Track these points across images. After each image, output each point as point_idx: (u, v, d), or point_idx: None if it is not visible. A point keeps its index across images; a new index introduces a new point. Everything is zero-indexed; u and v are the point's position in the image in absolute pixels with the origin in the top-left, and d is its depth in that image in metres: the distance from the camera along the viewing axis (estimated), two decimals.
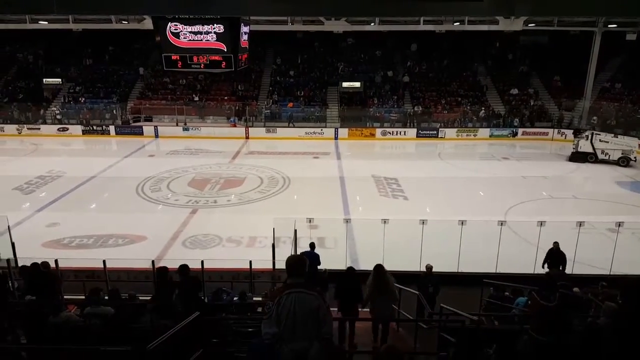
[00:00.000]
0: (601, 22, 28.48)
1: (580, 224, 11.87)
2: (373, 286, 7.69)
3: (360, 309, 8.17)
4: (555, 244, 11.34)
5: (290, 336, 3.80)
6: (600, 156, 24.62)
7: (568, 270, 11.19)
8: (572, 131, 28.28)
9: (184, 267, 7.64)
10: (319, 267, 10.35)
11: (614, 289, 8.27)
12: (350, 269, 8.59)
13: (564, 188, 20.97)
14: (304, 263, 4.04)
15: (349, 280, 8.08)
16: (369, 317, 8.21)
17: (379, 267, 7.86)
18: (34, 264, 8.41)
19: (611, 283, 9.04)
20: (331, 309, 7.95)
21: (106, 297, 7.88)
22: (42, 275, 8.29)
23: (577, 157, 25.19)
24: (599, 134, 25.37)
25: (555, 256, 11.26)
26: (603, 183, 21.94)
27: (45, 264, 8.57)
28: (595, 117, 31.18)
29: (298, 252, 10.90)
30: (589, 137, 25.02)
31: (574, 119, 31.78)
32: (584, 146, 25.11)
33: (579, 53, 31.42)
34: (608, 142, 24.68)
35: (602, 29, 28.87)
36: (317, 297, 3.85)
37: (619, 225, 12.04)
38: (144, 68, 36.19)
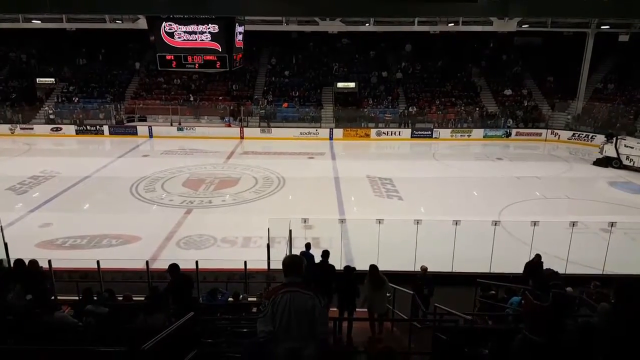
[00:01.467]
0: (594, 24, 28.70)
1: (574, 224, 11.94)
2: (370, 284, 8.41)
3: (358, 309, 8.31)
4: (537, 256, 10.61)
5: (285, 335, 3.80)
6: (625, 162, 23.57)
7: (561, 270, 11.25)
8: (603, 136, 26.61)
9: (173, 266, 7.59)
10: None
11: (606, 288, 8.36)
12: (348, 267, 8.97)
13: (557, 188, 21.07)
14: (300, 262, 4.05)
15: (347, 278, 8.52)
16: (365, 317, 8.50)
17: (373, 267, 8.58)
18: (18, 260, 8.25)
19: (604, 283, 9.12)
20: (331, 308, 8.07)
21: (106, 293, 7.87)
22: (33, 275, 8.21)
23: (602, 162, 24.24)
24: (624, 139, 24.17)
25: (534, 268, 10.39)
26: (596, 183, 22.11)
27: (33, 262, 8.46)
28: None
29: (293, 252, 10.90)
30: (614, 142, 23.92)
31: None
32: (609, 151, 24.11)
33: (572, 54, 31.65)
34: (633, 147, 23.44)
35: (595, 30, 29.11)
36: (313, 296, 3.85)
37: (612, 225, 12.11)
38: (140, 63, 36.01)
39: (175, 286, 7.40)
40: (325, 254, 9.23)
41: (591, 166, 24.47)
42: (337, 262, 10.15)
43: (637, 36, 28.73)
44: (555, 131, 30.94)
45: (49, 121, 31.93)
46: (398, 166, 24.70)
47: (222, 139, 30.20)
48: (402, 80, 35.61)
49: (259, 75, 36.41)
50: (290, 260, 4.06)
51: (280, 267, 4.04)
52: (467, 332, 6.60)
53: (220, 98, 34.05)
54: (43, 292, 7.84)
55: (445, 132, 31.23)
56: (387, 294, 8.75)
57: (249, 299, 9.57)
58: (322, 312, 3.89)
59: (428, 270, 9.92)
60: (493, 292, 9.71)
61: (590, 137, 29.65)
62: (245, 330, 6.78)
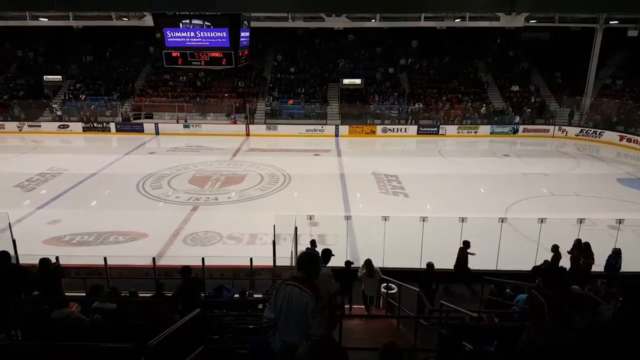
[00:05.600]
0: (602, 19, 28.40)
1: (581, 221, 11.86)
2: (366, 272, 9.76)
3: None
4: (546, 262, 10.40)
5: (284, 327, 3.88)
6: None
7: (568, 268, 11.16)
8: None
9: (185, 269, 7.65)
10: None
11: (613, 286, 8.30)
12: (347, 262, 10.06)
13: (564, 185, 20.94)
14: (308, 260, 4.09)
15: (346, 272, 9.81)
16: (364, 314, 9.11)
17: (369, 261, 9.80)
18: (43, 260, 8.34)
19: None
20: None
21: (108, 289, 7.91)
22: (49, 272, 8.27)
23: None
24: None
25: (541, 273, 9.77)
26: (604, 180, 21.91)
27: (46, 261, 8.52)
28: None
29: (298, 249, 10.92)
30: None
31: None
32: None
33: (580, 50, 31.33)
34: None
35: (604, 26, 28.81)
36: (309, 295, 3.82)
37: (620, 222, 12.02)
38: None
39: (186, 288, 7.48)
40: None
41: (599, 162, 24.22)
42: (342, 259, 10.17)
43: None
44: (563, 127, 30.70)
45: (56, 118, 32.14)
46: (404, 163, 24.63)
47: (228, 136, 30.27)
48: (405, 67, 35.55)
49: (264, 72, 36.40)
50: (301, 256, 4.20)
51: (286, 263, 4.09)
52: (473, 329, 6.58)
53: (226, 95, 34.09)
54: (54, 290, 7.89)
55: (451, 129, 31.08)
56: (382, 285, 10.02)
57: (255, 295, 9.60)
58: (314, 312, 3.82)
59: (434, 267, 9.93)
60: (508, 290, 9.60)
61: (598, 133, 29.42)
62: (251, 326, 6.79)
